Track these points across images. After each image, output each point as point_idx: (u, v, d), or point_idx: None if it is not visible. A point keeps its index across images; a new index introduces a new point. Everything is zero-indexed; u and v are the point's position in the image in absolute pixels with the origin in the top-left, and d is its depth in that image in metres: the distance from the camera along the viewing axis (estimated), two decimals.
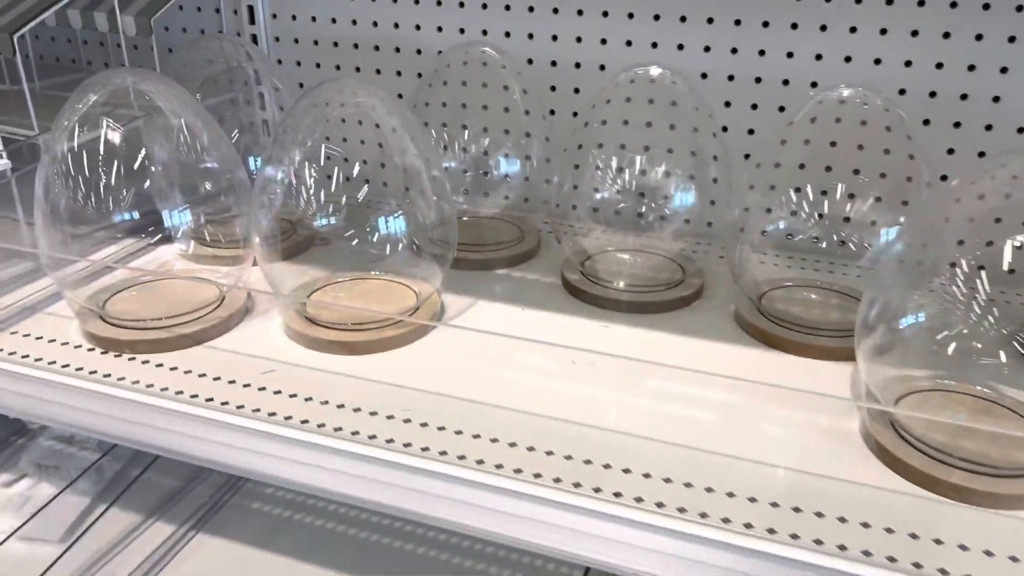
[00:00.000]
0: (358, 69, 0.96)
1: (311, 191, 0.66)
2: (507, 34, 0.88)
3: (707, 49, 0.81)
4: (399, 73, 0.95)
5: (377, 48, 0.94)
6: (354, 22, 0.94)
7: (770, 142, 0.70)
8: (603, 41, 0.84)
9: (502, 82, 0.81)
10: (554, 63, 0.87)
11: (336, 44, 0.96)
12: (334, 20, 0.95)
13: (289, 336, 0.65)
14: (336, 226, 0.67)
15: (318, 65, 0.98)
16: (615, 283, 0.73)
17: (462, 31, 0.90)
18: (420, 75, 0.93)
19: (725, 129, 0.83)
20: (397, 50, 0.93)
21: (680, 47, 0.82)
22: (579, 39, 0.85)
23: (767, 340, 0.65)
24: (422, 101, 0.85)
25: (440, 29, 0.90)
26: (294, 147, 0.65)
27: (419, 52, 0.92)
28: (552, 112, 0.88)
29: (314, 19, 0.95)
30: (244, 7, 0.97)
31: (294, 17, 0.96)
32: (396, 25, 0.92)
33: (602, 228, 0.75)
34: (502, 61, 0.80)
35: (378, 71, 0.95)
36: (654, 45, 0.83)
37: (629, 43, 0.83)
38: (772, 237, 0.70)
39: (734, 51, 0.80)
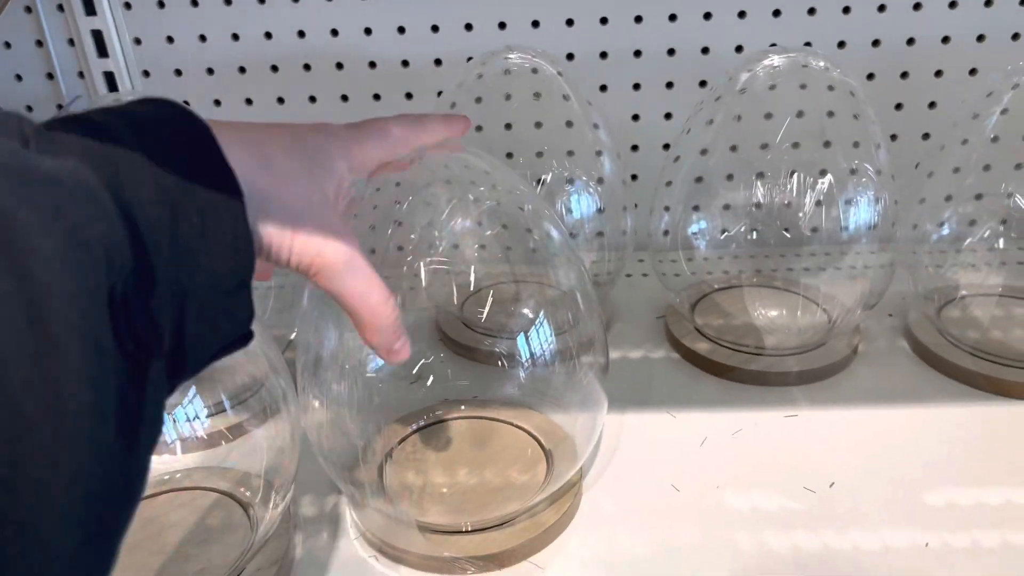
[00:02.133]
0: (281, 100, 0.69)
1: None
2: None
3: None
4: (345, 98, 0.69)
5: (308, 67, 0.68)
6: (268, 35, 0.67)
7: None
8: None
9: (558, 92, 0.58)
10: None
11: (243, 69, 0.68)
12: (235, 36, 0.67)
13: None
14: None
15: (218, 103, 0.70)
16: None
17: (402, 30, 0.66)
18: (378, 96, 0.69)
19: None
20: (340, 66, 0.68)
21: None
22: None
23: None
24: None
25: (402, 30, 0.66)
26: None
27: (372, 65, 0.68)
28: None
29: (203, 38, 0.67)
30: (86, 34, 0.66)
31: (170, 39, 0.67)
32: (335, 32, 0.66)
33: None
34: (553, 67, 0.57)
35: (312, 99, 0.69)
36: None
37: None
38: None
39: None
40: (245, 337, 0.27)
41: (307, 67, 0.67)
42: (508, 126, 0.59)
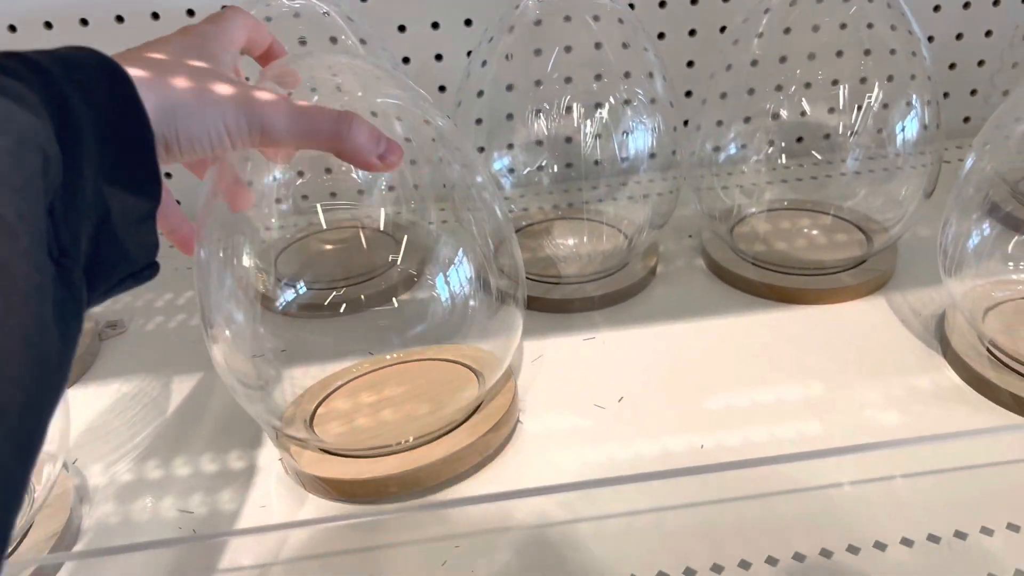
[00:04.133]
0: None
1: None
2: None
3: None
4: None
5: (121, 19, 0.64)
6: None
7: None
8: None
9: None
10: None
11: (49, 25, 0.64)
12: None
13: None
14: None
15: None
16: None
17: None
18: None
19: None
20: (120, 19, 0.64)
21: None
22: None
23: None
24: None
25: None
26: None
27: (156, 16, 0.64)
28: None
29: None
30: None
31: None
32: None
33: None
34: None
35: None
36: None
37: None
38: None
39: None
40: (151, 267, 0.29)
41: (84, 22, 0.64)
42: None
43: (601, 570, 0.37)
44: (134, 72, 0.27)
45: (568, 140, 0.53)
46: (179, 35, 0.32)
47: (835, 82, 0.53)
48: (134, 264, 0.28)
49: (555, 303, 0.56)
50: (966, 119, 0.73)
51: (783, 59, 0.55)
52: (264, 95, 0.30)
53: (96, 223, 0.26)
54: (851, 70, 0.53)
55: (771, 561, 0.37)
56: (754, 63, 0.53)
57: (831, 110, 0.55)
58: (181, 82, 0.29)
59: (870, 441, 0.43)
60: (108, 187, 0.26)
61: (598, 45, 0.51)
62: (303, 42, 0.54)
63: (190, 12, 0.64)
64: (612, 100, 0.52)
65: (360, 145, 0.31)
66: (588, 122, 0.52)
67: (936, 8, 0.69)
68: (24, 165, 0.21)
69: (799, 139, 0.59)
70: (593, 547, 0.38)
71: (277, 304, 0.46)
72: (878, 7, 0.51)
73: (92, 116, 0.25)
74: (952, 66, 0.71)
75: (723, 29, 0.69)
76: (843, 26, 0.52)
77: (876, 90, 0.52)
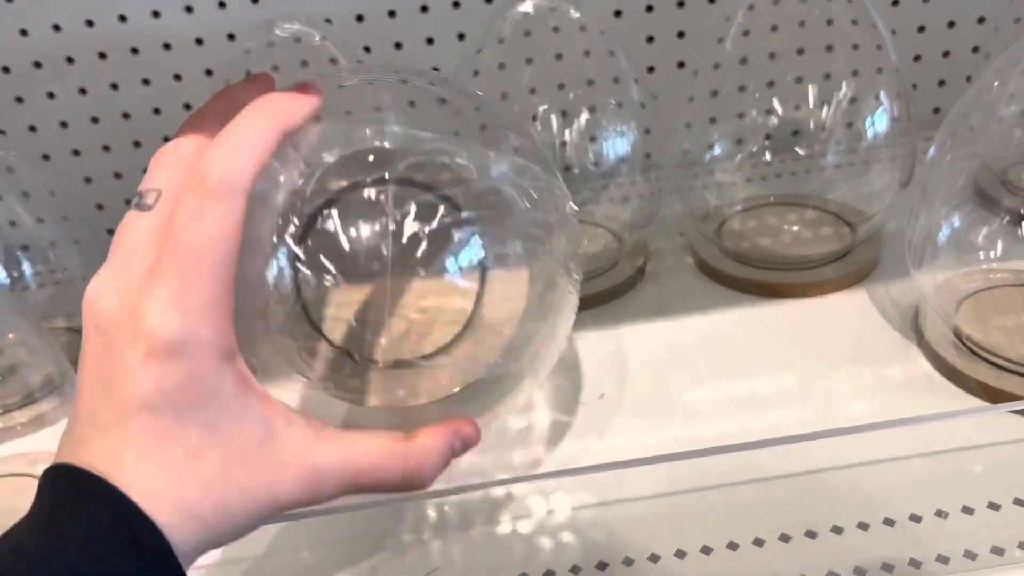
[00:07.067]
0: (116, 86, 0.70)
1: None
2: None
3: None
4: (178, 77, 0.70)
5: (104, 56, 0.68)
6: (56, 27, 0.67)
7: None
8: None
9: None
10: None
11: (38, 65, 0.68)
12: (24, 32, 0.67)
13: None
14: None
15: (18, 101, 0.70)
16: None
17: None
18: (210, 72, 0.69)
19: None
20: (135, 51, 0.68)
21: None
22: None
23: None
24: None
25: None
26: None
27: (200, 42, 0.68)
28: None
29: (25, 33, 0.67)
30: None
31: None
32: (122, 18, 0.67)
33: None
34: None
35: (146, 81, 0.70)
36: None
37: None
38: None
39: None
40: None
41: (70, 60, 0.68)
42: None
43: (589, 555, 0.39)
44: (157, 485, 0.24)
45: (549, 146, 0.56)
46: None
47: (799, 80, 0.55)
48: None
49: None
50: (936, 110, 0.74)
51: (744, 60, 0.57)
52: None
53: None
54: (816, 67, 0.55)
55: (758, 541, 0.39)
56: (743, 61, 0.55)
57: (799, 107, 0.56)
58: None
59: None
60: None
61: (559, 56, 0.54)
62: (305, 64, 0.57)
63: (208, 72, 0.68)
64: (589, 105, 0.54)
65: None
66: (567, 130, 0.55)
67: (895, 3, 0.70)
68: None
69: (772, 136, 0.61)
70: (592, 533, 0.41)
71: None
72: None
73: None
74: (917, 58, 0.72)
75: (681, 35, 0.70)
76: (801, 24, 0.54)
77: (844, 87, 0.54)
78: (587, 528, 0.41)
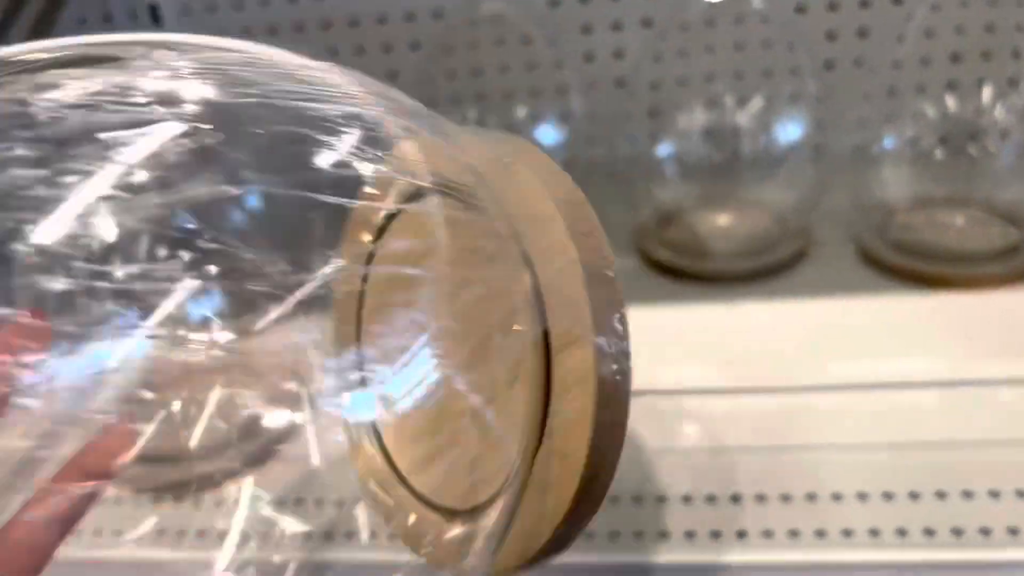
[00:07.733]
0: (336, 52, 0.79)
1: None
2: None
3: None
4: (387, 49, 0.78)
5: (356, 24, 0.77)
6: None
7: None
8: None
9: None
10: None
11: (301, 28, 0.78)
12: None
13: None
14: None
15: None
16: None
17: None
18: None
19: None
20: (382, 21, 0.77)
21: None
22: None
23: None
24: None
25: None
26: None
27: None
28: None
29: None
30: (144, 7, 0.78)
31: (213, 9, 0.78)
32: None
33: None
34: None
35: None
36: None
37: None
38: None
39: None
40: None
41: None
42: None
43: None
44: None
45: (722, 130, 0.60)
46: None
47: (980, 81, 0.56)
48: None
49: (706, 274, 0.62)
50: None
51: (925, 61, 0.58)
52: None
53: None
54: (999, 71, 0.56)
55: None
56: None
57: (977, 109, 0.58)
58: None
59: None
60: None
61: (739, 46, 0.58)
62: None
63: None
64: (764, 95, 0.58)
65: None
66: (740, 114, 0.59)
67: None
68: None
69: (947, 138, 0.62)
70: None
71: None
72: None
73: None
74: None
75: (863, 33, 0.71)
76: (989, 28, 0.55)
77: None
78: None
